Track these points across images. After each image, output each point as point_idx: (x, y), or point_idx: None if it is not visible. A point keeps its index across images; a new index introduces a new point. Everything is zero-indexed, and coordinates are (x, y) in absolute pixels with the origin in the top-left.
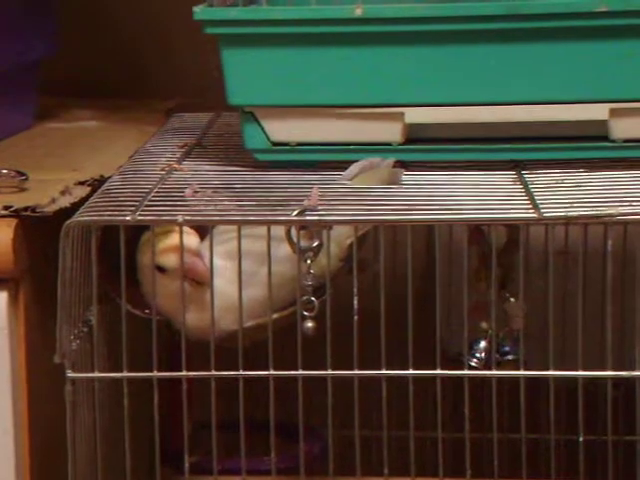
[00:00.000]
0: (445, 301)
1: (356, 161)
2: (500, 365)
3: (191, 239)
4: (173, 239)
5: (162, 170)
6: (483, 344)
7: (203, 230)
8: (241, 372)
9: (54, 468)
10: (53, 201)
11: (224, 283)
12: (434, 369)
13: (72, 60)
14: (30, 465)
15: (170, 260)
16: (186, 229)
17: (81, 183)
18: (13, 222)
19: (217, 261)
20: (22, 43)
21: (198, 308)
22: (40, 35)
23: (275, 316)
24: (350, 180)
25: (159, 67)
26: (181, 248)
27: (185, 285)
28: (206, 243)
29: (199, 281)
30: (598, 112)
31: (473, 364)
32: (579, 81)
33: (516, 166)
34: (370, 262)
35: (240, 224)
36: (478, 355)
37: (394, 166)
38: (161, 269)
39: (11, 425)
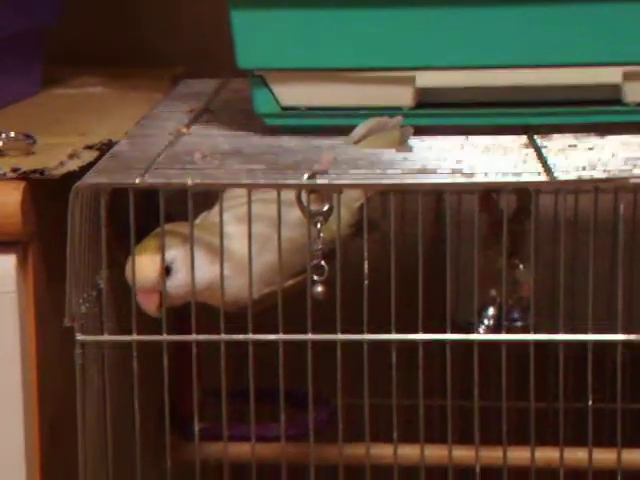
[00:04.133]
0: (454, 269)
1: None
2: (508, 332)
3: (148, 273)
4: (138, 263)
5: (170, 134)
6: (492, 311)
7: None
8: (250, 335)
9: (63, 431)
10: (61, 164)
11: (243, 251)
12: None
13: (78, 28)
14: (39, 428)
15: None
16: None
17: (89, 147)
18: (21, 185)
19: (232, 227)
20: (26, 10)
21: (229, 280)
22: (44, 2)
23: (290, 282)
24: (358, 141)
25: (165, 34)
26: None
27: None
28: (217, 208)
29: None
30: (611, 75)
31: (482, 331)
32: (592, 44)
33: (528, 130)
34: (378, 222)
35: (250, 188)
36: (487, 322)
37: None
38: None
39: (20, 389)
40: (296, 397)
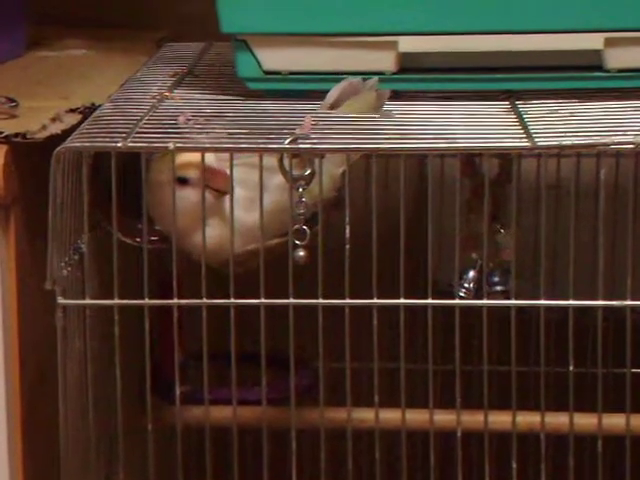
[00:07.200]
0: (436, 233)
1: None
2: (489, 296)
3: (209, 155)
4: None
5: (153, 98)
6: (472, 274)
7: None
8: (232, 300)
9: (45, 394)
10: (44, 128)
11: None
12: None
13: None
14: (20, 391)
15: (192, 170)
16: None
17: (72, 110)
18: (3, 148)
19: None
20: None
21: (215, 224)
22: None
23: (274, 242)
24: (333, 104)
25: None
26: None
27: (207, 196)
28: None
29: (220, 189)
30: (593, 42)
31: (462, 294)
32: (574, 10)
33: (510, 96)
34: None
35: (232, 152)
36: (467, 285)
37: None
38: (183, 180)
39: (1, 351)
40: (278, 360)
